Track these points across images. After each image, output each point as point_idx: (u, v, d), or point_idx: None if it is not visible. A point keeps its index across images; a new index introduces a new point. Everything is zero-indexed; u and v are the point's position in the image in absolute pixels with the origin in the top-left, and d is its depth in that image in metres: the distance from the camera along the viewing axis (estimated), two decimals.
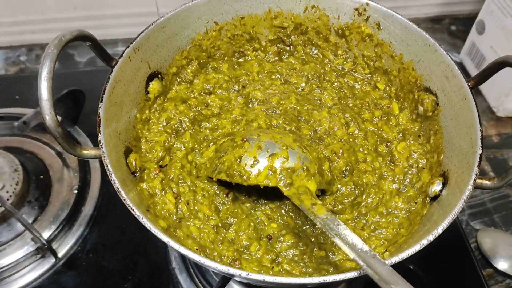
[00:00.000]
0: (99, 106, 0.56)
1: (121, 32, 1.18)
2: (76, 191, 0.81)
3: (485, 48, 1.05)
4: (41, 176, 0.82)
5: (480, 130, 0.54)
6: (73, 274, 0.74)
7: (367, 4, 0.69)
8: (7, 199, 0.74)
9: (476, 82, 0.60)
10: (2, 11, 1.08)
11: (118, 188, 0.50)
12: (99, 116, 0.55)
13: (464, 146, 0.56)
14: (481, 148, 0.52)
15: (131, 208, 0.48)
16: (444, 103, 0.62)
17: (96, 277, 0.73)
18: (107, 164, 0.51)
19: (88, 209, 0.79)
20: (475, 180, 0.51)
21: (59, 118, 0.87)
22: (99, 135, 0.54)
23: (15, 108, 0.94)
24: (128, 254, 0.76)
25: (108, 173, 0.51)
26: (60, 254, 0.75)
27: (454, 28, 1.25)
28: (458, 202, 0.49)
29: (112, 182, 0.50)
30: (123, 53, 0.61)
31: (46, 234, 0.75)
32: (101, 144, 0.53)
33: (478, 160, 0.52)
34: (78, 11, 1.11)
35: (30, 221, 0.76)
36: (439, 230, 0.47)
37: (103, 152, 0.52)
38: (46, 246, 0.72)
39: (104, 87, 0.57)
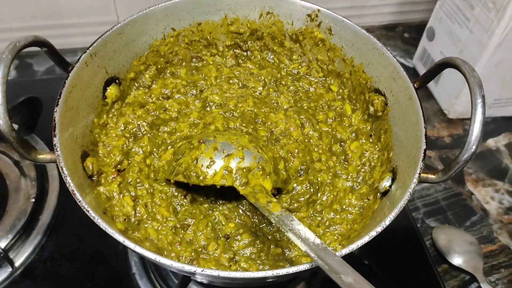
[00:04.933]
0: (55, 110, 0.56)
1: (80, 41, 1.16)
2: (33, 200, 0.80)
3: (435, 54, 1.10)
4: None
5: (424, 127, 0.57)
6: (30, 283, 0.72)
7: (319, 10, 0.72)
8: None
9: (421, 83, 0.64)
10: None
11: (73, 191, 0.50)
12: (54, 120, 0.55)
13: (411, 143, 0.59)
14: (425, 143, 0.55)
15: (86, 210, 0.48)
16: (392, 103, 0.65)
17: (54, 285, 0.72)
18: (62, 167, 0.51)
19: (45, 217, 0.78)
20: (420, 173, 0.53)
21: (16, 126, 0.85)
22: (54, 138, 0.54)
23: None
24: (86, 261, 0.75)
25: (63, 176, 0.51)
26: (17, 263, 0.73)
27: (407, 35, 1.30)
28: (404, 195, 0.52)
29: (67, 185, 0.50)
30: (79, 58, 0.61)
31: (2, 244, 0.73)
32: (56, 147, 0.53)
33: (423, 154, 0.55)
34: (36, 20, 1.10)
35: None
36: (387, 221, 0.50)
37: (58, 155, 0.52)
38: (2, 255, 0.70)
39: (60, 91, 0.57)
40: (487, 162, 1.03)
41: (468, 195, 0.97)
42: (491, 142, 1.06)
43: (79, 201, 0.49)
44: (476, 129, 0.50)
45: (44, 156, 0.54)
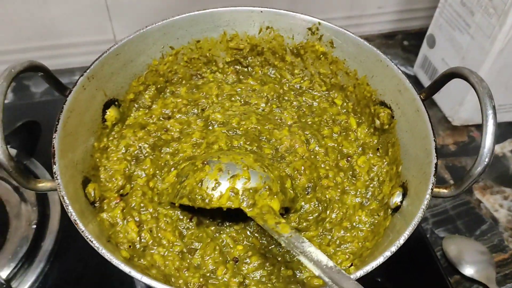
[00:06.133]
0: (53, 136, 0.54)
1: (78, 61, 1.15)
2: (35, 226, 0.78)
3: (436, 61, 1.09)
4: None
5: (434, 140, 0.55)
6: None
7: (319, 23, 0.71)
8: None
9: (427, 94, 0.62)
10: None
11: (75, 220, 0.48)
12: (53, 147, 0.54)
13: (420, 157, 0.57)
14: (436, 157, 0.54)
15: (89, 240, 0.47)
16: (399, 116, 0.64)
17: None
18: (63, 196, 0.50)
19: (48, 244, 0.76)
20: (432, 189, 0.52)
21: (15, 151, 0.84)
22: (54, 166, 0.52)
23: None
24: None
25: (64, 205, 0.49)
26: None
27: (406, 43, 1.29)
28: (417, 212, 0.50)
29: (69, 214, 0.49)
30: (76, 82, 0.60)
31: (4, 273, 0.71)
32: (56, 175, 0.51)
33: (434, 169, 0.53)
34: (32, 42, 1.09)
35: None
36: (401, 240, 0.48)
37: (58, 184, 0.51)
38: (4, 286, 0.68)
39: (57, 117, 0.56)
40: (494, 169, 1.01)
41: (476, 204, 0.95)
42: (497, 149, 1.05)
43: (82, 231, 0.47)
44: (488, 141, 0.49)
45: (44, 184, 0.53)
